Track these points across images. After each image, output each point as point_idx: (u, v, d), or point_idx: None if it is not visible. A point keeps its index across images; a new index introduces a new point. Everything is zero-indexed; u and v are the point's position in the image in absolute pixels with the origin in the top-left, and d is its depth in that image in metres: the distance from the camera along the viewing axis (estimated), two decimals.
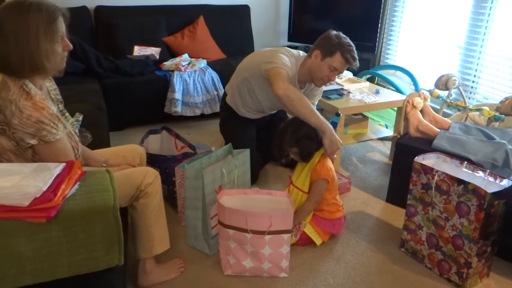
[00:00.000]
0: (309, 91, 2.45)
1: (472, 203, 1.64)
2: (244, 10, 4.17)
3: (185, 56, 3.58)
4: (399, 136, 2.67)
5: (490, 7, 3.07)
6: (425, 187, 1.82)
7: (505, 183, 1.69)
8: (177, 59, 3.47)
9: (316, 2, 4.14)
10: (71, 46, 1.40)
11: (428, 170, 1.79)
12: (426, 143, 2.17)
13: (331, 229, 2.02)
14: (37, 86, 1.36)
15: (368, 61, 4.04)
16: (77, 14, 3.29)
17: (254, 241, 1.72)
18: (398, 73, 3.89)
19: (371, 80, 3.86)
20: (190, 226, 1.94)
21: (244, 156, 2.04)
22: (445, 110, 3.03)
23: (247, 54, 2.52)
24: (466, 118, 2.53)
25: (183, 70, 3.32)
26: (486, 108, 2.39)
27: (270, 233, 1.70)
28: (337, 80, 3.01)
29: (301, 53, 2.37)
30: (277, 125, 2.10)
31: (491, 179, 1.73)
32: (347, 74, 3.21)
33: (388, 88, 3.39)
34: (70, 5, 3.30)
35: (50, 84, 1.54)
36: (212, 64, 3.53)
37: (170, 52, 3.70)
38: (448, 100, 2.69)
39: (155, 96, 3.26)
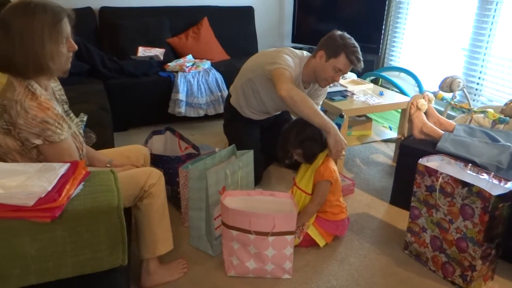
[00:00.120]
0: (313, 91, 2.45)
1: (476, 206, 1.63)
2: (248, 11, 4.17)
3: (189, 57, 3.58)
4: (403, 138, 2.66)
5: (495, 9, 3.06)
6: (429, 189, 1.81)
7: (509, 185, 1.68)
8: (181, 60, 3.48)
9: (320, 4, 4.14)
10: (76, 47, 1.40)
11: (432, 172, 1.78)
12: (430, 145, 2.16)
13: (335, 231, 2.02)
14: (42, 86, 1.37)
15: (372, 62, 4.02)
16: (81, 15, 3.33)
17: (258, 242, 1.72)
18: (402, 75, 3.88)
19: (375, 81, 3.85)
20: (194, 227, 1.95)
21: (247, 157, 2.04)
22: (449, 112, 3.02)
23: (251, 55, 2.52)
24: (471, 120, 2.52)
25: (187, 71, 3.33)
26: (491, 110, 2.38)
27: (273, 234, 1.70)
28: (341, 81, 3.01)
29: (305, 53, 2.37)
30: (281, 126, 2.10)
31: (495, 181, 1.72)
32: (351, 76, 3.20)
33: (392, 90, 3.39)
34: (75, 6, 3.35)
35: (55, 85, 1.55)
36: (216, 65, 3.54)
37: (174, 53, 3.71)
38: (452, 102, 2.68)
39: (159, 97, 3.27)
